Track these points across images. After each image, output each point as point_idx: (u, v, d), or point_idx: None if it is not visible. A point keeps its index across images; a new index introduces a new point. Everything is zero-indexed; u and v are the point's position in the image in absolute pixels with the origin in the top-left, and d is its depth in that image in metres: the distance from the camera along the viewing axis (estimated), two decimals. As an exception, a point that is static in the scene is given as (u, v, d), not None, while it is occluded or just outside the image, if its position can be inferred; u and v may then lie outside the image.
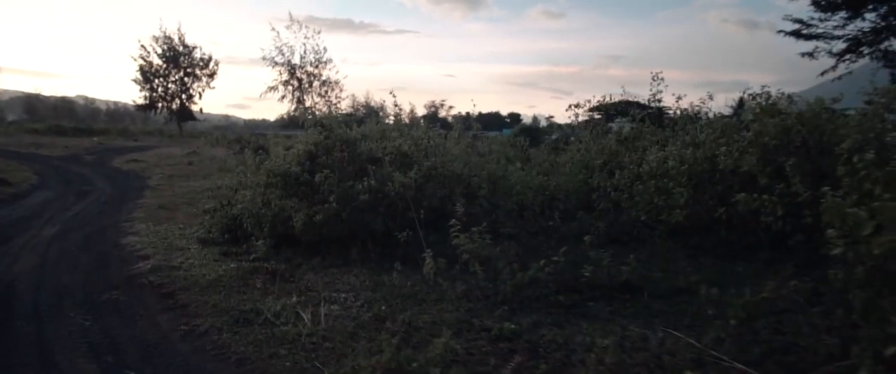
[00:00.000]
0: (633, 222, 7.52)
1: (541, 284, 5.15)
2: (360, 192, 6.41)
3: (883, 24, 25.00)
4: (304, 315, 4.73)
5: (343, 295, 5.36)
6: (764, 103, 6.75)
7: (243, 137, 26.19)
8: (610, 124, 13.03)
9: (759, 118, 6.57)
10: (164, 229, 8.78)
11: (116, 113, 70.93)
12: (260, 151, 19.02)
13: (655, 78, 8.87)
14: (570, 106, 13.04)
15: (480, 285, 5.29)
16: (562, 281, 5.35)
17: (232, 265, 6.47)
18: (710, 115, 9.99)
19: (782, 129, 6.66)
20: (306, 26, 53.19)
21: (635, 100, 13.22)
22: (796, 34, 25.80)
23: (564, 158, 10.37)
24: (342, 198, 6.42)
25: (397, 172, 6.74)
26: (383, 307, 4.91)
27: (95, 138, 36.85)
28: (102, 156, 24.56)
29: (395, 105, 11.06)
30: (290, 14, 66.08)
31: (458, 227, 5.45)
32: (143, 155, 25.52)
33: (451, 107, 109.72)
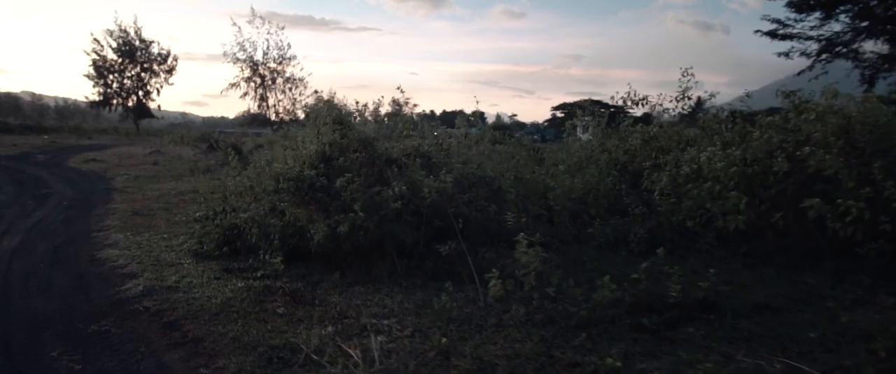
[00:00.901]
0: (675, 227, 6.92)
1: (619, 305, 4.47)
2: (390, 199, 5.61)
3: (853, 25, 25.45)
4: (351, 351, 3.91)
5: (386, 322, 4.56)
6: (828, 99, 6.24)
7: (211, 136, 24.77)
8: (574, 121, 12.60)
9: (822, 117, 6.07)
10: (145, 239, 7.75)
11: (66, 110, 67.26)
12: (233, 150, 17.90)
13: (685, 73, 8.31)
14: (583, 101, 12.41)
15: (545, 307, 4.58)
16: (635, 300, 4.69)
17: (239, 285, 5.57)
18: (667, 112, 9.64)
19: (841, 128, 6.19)
20: (269, 22, 51.40)
21: (597, 98, 12.93)
22: (772, 34, 26.06)
23: (572, 157, 9.76)
24: (369, 206, 5.60)
25: (428, 176, 5.97)
26: (443, 338, 4.13)
27: (46, 136, 34.61)
28: (56, 155, 22.85)
29: (395, 101, 10.26)
30: (252, 9, 63.76)
31: (527, 241, 4.70)
32: (100, 154, 23.87)
33: (415, 104, 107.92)
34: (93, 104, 50.48)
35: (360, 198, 5.66)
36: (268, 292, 5.34)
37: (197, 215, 7.51)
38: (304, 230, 6.03)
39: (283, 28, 53.33)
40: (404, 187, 5.68)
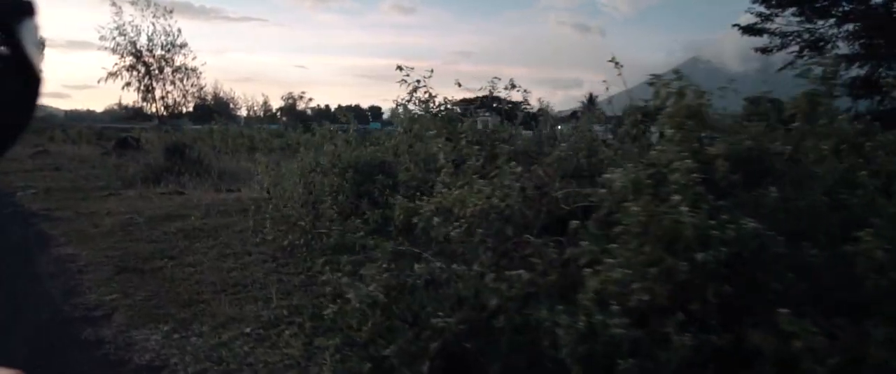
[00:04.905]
0: None
1: None
2: None
3: (814, 23, 25.42)
4: None
5: None
6: None
7: (130, 134, 19.47)
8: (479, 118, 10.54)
9: None
10: (218, 342, 3.82)
11: None
12: (180, 150, 13.47)
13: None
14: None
15: None
16: None
17: None
18: None
19: None
20: (155, 4, 44.41)
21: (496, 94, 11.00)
22: (748, 29, 25.36)
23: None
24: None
25: None
26: None
27: None
28: None
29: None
30: (130, -11, 55.20)
31: None
32: (-36, 156, 17.69)
33: (310, 99, 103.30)
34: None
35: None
36: None
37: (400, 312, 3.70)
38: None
39: (171, 11, 46.41)
40: None
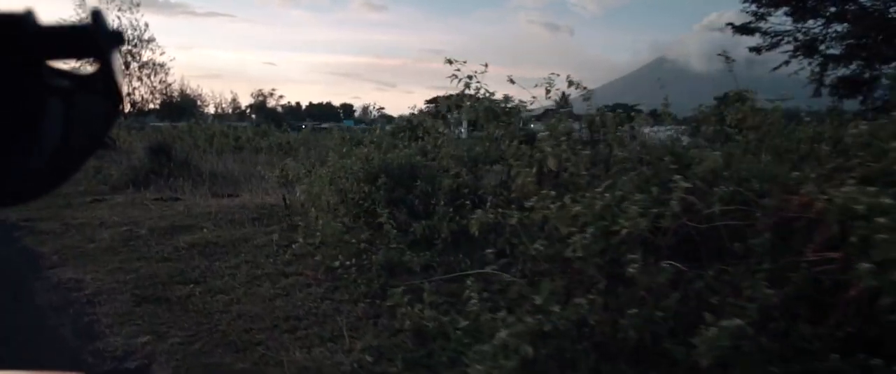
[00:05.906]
0: None
1: None
2: None
3: (802, 24, 25.40)
4: None
5: None
6: None
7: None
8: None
9: None
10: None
11: None
12: (165, 150, 12.43)
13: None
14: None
15: None
16: None
17: None
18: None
19: None
20: (120, -1, 42.24)
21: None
22: (742, 29, 25.11)
23: None
24: None
25: None
26: None
27: None
28: None
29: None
30: (97, -18, 52.69)
31: None
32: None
33: (281, 96, 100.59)
34: None
35: None
36: None
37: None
38: None
39: (138, 5, 44.39)
40: None
